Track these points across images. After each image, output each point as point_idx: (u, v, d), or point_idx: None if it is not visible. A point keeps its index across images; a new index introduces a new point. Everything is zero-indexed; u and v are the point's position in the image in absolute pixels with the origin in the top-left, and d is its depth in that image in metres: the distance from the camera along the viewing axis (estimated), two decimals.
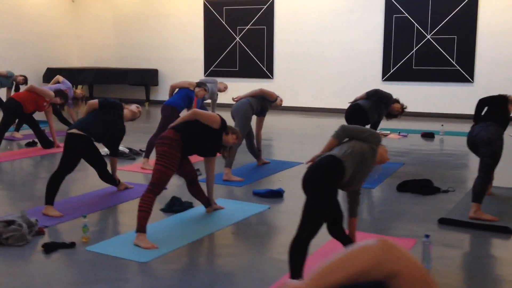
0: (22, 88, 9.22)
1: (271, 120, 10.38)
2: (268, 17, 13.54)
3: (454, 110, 12.07)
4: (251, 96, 6.60)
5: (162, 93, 14.99)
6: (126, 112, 5.52)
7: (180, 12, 14.54)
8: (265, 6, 13.51)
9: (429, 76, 12.20)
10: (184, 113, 5.89)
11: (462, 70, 11.90)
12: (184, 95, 7.25)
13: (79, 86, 14.44)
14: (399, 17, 12.28)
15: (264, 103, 6.67)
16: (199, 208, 5.07)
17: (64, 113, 9.17)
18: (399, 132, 9.79)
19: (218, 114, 4.66)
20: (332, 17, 12.95)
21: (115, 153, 5.57)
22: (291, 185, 5.88)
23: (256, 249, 4.13)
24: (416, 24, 12.14)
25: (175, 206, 4.98)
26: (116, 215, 4.99)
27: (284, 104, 7.39)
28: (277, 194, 5.50)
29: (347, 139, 3.66)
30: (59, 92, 8.00)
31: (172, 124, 4.57)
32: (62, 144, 8.07)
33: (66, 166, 4.95)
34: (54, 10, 15.17)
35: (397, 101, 6.83)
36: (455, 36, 11.85)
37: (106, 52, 15.60)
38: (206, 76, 14.38)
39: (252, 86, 14.07)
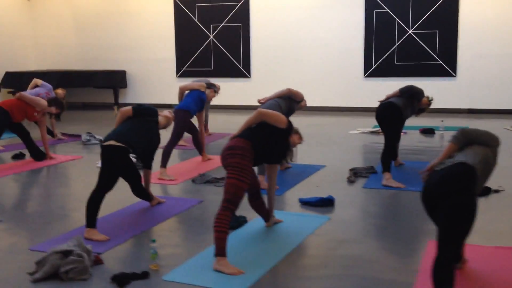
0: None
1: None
2: (243, 14, 13.09)
3: (438, 105, 12.02)
4: (278, 97, 6.16)
5: (132, 96, 14.29)
6: (160, 118, 4.99)
7: (148, 9, 13.85)
8: (240, 3, 13.05)
9: (411, 71, 12.12)
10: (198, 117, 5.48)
11: (444, 64, 11.89)
12: (197, 97, 6.74)
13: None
14: (379, 12, 12.14)
15: (291, 104, 6.26)
16: (255, 222, 4.61)
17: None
18: None
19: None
20: (310, 13, 12.66)
21: (149, 165, 5.01)
22: (332, 190, 5.53)
23: (351, 270, 3.71)
24: (397, 19, 12.03)
25: (231, 221, 4.49)
26: (167, 235, 4.44)
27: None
28: (328, 203, 5.11)
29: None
30: (54, 101, 7.27)
31: (236, 133, 4.09)
32: (55, 155, 7.47)
33: (107, 183, 4.38)
34: (8, 10, 14.10)
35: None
36: (437, 31, 11.83)
37: (67, 53, 14.68)
38: (179, 76, 13.81)
39: (228, 86, 13.78)
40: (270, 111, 4.15)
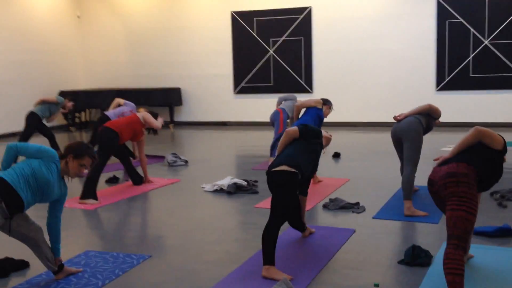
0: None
1: None
2: (305, 27, 12.60)
3: None
4: (418, 113, 5.58)
5: (187, 113, 13.81)
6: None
7: (204, 25, 13.39)
8: (302, 16, 12.57)
9: (488, 83, 11.55)
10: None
11: None
12: (315, 115, 6.23)
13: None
14: (453, 22, 11.60)
15: (429, 121, 5.69)
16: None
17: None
18: None
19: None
20: (378, 24, 12.14)
21: (306, 192, 4.46)
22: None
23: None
24: (472, 29, 11.49)
25: (420, 257, 3.92)
26: (348, 273, 3.87)
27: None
28: (506, 232, 4.52)
29: None
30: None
31: (449, 155, 3.53)
32: (153, 179, 6.93)
33: (284, 212, 3.85)
34: (58, 27, 13.66)
35: None
36: None
37: (118, 71, 14.23)
38: (236, 93, 13.31)
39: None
40: (488, 130, 3.58)
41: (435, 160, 3.68)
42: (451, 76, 11.75)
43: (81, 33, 14.36)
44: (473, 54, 11.55)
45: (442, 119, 5.86)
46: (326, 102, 6.56)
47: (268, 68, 13.01)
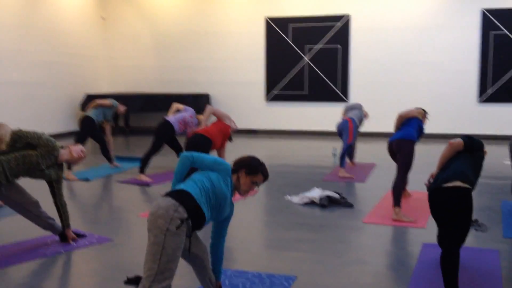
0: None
1: (361, 149, 9.19)
2: (343, 35, 12.30)
3: None
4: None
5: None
6: None
7: (237, 30, 13.01)
8: (340, 23, 12.28)
9: None
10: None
11: None
12: (417, 126, 5.86)
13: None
14: (497, 34, 11.42)
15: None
16: None
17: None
18: None
19: None
20: (418, 34, 11.91)
21: None
22: None
23: None
24: None
25: None
26: None
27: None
28: None
29: None
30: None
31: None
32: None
33: (468, 230, 3.50)
34: (83, 29, 13.13)
35: None
36: None
37: (144, 75, 13.75)
38: (269, 101, 12.95)
39: (323, 111, 12.92)
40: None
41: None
42: (495, 88, 11.55)
43: (106, 36, 13.86)
44: None
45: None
46: (425, 112, 6.22)
47: (302, 76, 12.67)
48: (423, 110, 6.18)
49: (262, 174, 3.25)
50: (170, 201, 2.93)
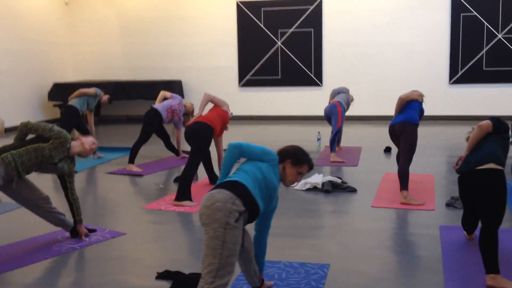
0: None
1: (323, 131, 9.27)
2: (315, 18, 12.26)
3: None
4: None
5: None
6: None
7: (207, 14, 12.77)
8: (312, 7, 12.23)
9: (501, 77, 11.67)
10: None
11: None
12: (417, 108, 5.89)
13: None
14: (467, 16, 11.62)
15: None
16: None
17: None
18: None
19: None
20: (390, 16, 11.99)
21: None
22: None
23: None
24: (486, 22, 11.56)
25: None
26: None
27: None
28: None
29: None
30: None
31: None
32: None
33: (504, 211, 3.53)
34: (45, 15, 12.58)
35: None
36: None
37: (111, 62, 13.33)
38: (241, 86, 12.82)
39: (297, 95, 12.89)
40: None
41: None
42: (464, 69, 11.79)
43: (70, 22, 13.36)
44: (487, 48, 11.63)
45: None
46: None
47: (275, 60, 12.58)
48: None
49: (308, 165, 3.18)
50: (227, 193, 2.82)
